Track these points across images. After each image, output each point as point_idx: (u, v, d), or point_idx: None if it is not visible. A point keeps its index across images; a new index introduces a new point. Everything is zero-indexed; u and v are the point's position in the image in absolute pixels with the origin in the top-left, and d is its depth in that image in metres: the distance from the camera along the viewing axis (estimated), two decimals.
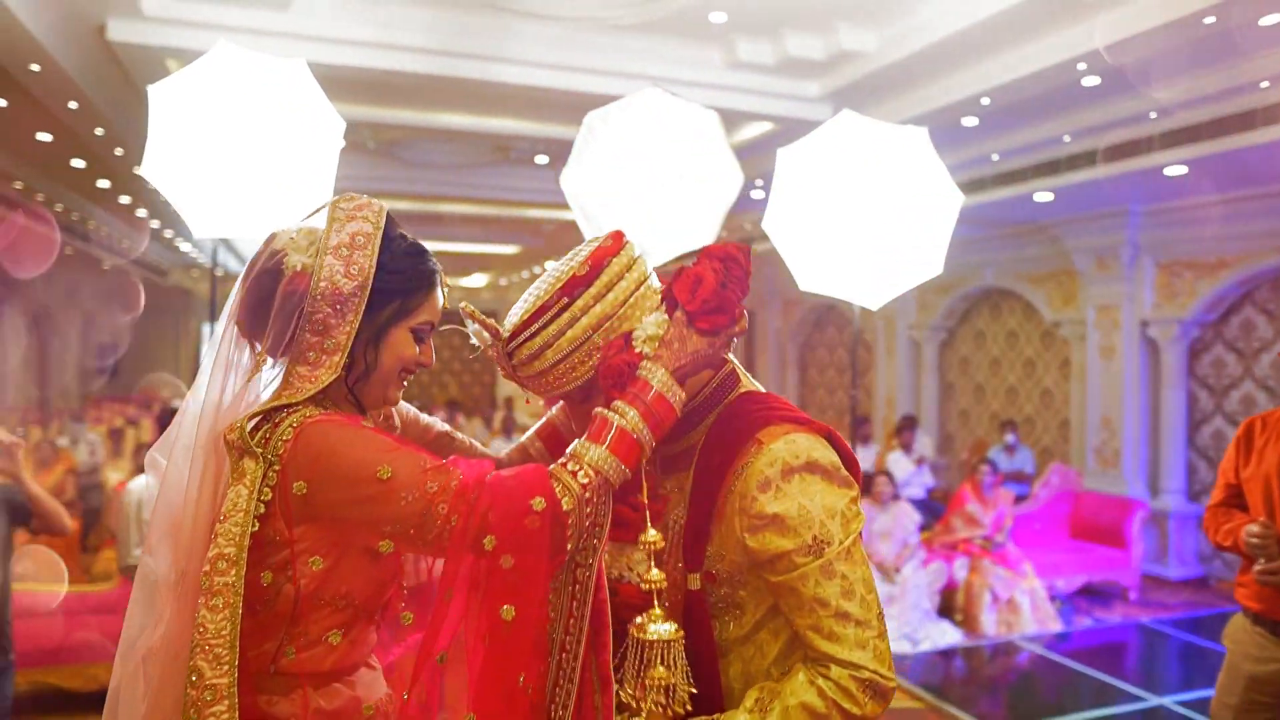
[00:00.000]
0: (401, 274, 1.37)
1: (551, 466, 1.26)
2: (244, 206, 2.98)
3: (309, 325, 1.32)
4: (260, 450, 1.25)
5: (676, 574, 1.39)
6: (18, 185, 8.96)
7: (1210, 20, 4.34)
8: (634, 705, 1.32)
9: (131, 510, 4.37)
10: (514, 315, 1.39)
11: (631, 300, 1.36)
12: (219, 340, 1.38)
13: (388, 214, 1.40)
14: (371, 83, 5.82)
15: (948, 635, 6.27)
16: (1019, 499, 7.80)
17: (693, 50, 5.93)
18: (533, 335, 1.34)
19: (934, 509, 7.99)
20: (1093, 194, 7.14)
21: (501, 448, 1.68)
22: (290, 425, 1.27)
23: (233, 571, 1.21)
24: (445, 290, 1.45)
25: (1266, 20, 4.42)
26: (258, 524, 1.23)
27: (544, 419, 1.70)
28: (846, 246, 3.34)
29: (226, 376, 1.36)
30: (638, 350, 1.33)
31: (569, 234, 11.09)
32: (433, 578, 1.39)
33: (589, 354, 1.34)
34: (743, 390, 1.46)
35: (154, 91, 2.99)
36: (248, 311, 1.36)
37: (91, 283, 15.16)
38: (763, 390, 1.49)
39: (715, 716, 1.33)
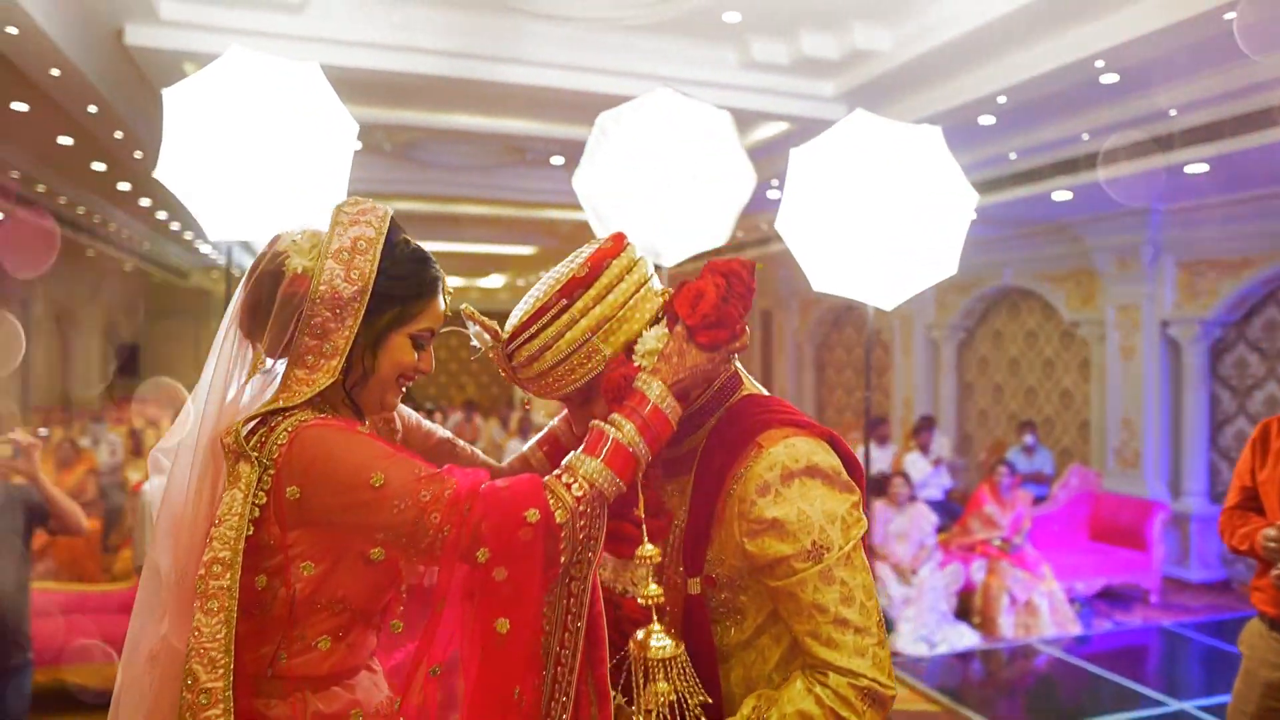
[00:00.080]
0: (402, 280, 1.37)
1: (546, 478, 1.25)
2: (258, 209, 2.99)
3: (307, 329, 1.31)
4: (255, 454, 1.25)
5: (677, 578, 1.38)
6: (40, 188, 9.08)
7: (1231, 15, 4.29)
8: None
9: (146, 510, 4.40)
10: (514, 317, 1.39)
11: (631, 302, 1.35)
12: (221, 341, 1.38)
13: (392, 219, 1.39)
14: (386, 85, 5.85)
15: (965, 638, 6.23)
16: (1038, 500, 7.74)
17: (707, 50, 5.92)
18: (532, 337, 1.34)
19: (952, 510, 7.93)
20: (1112, 192, 7.06)
21: (518, 448, 1.68)
22: (285, 429, 1.26)
23: (227, 575, 1.21)
24: (448, 297, 1.44)
25: None
26: (252, 528, 1.23)
27: (547, 428, 1.69)
28: (859, 247, 3.32)
29: (228, 378, 1.37)
30: (637, 364, 1.33)
31: (585, 235, 11.03)
32: (428, 581, 1.39)
33: (588, 356, 1.34)
34: (745, 393, 1.45)
35: (168, 95, 3.01)
36: (248, 312, 1.36)
37: (112, 284, 15.32)
38: (765, 393, 1.48)
39: None
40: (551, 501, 1.21)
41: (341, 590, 1.29)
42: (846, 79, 6.12)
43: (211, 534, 1.24)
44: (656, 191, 3.78)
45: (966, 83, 5.71)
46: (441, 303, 1.43)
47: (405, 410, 1.60)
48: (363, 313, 1.32)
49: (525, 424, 11.56)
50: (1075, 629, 6.51)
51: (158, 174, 3.03)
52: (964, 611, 6.57)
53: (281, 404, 1.30)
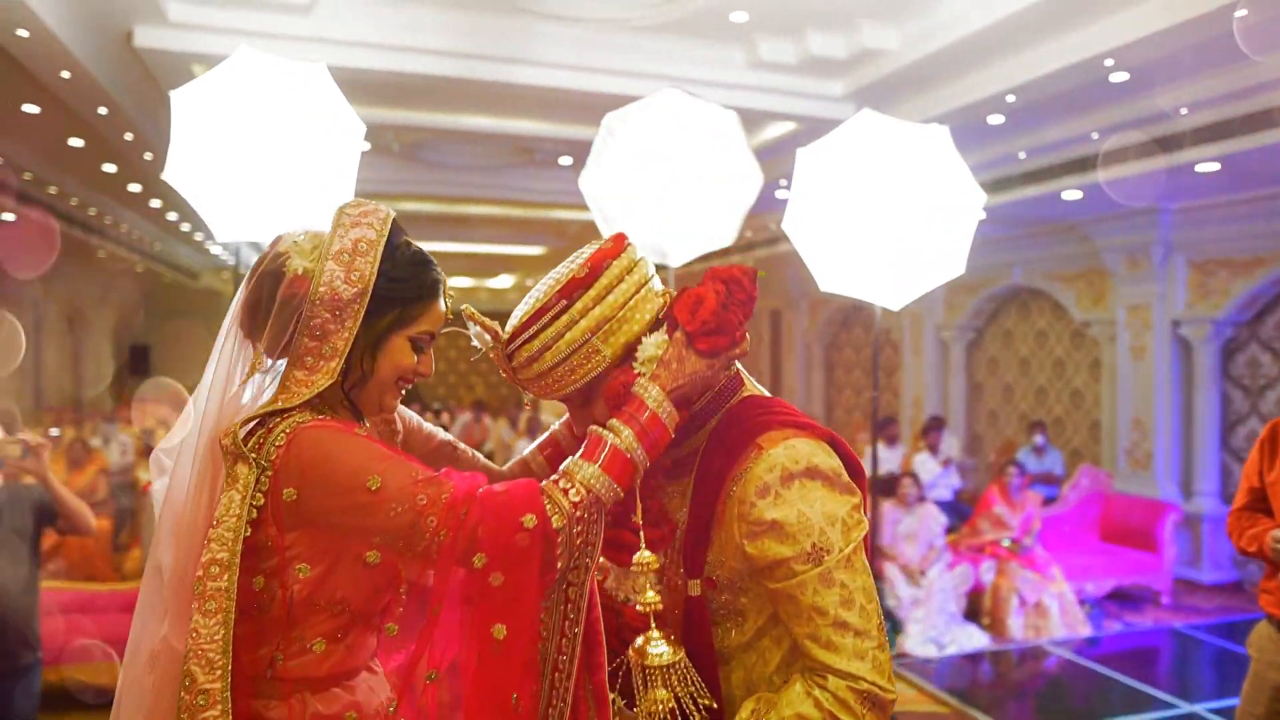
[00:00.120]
0: (403, 282, 1.36)
1: (544, 484, 1.25)
2: (266, 210, 3.01)
3: (307, 330, 1.31)
4: (253, 456, 1.25)
5: (677, 580, 1.38)
6: (52, 190, 9.13)
7: (1242, 13, 4.26)
8: None
9: (154, 511, 4.42)
10: (514, 318, 1.38)
11: (631, 303, 1.35)
12: (222, 341, 1.38)
13: (394, 221, 1.39)
14: (394, 85, 5.86)
15: (974, 639, 6.20)
16: (1048, 501, 7.70)
17: (715, 50, 5.91)
18: (531, 337, 1.34)
19: (961, 511, 7.90)
20: (1122, 192, 7.03)
21: (526, 448, 1.68)
22: (283, 431, 1.26)
23: (225, 577, 1.21)
24: (449, 300, 1.44)
25: None
26: (250, 529, 1.23)
27: (549, 431, 1.69)
28: (867, 247, 3.31)
29: (229, 378, 1.36)
30: (636, 370, 1.32)
31: (594, 235, 11.08)
32: (429, 581, 1.39)
33: (588, 356, 1.33)
34: (746, 394, 1.45)
35: (176, 97, 3.02)
36: (248, 312, 1.36)
37: (123, 285, 15.40)
38: (767, 394, 1.48)
39: None
40: (548, 507, 1.21)
41: (340, 592, 1.29)
42: (854, 78, 6.11)
43: (209, 535, 1.24)
44: (663, 192, 3.78)
45: (975, 82, 5.69)
46: (442, 305, 1.42)
47: (406, 412, 1.60)
48: (362, 314, 1.32)
49: (534, 424, 11.57)
50: (1085, 630, 6.47)
51: (166, 175, 3.04)
52: (973, 613, 6.54)
53: (280, 405, 1.29)
